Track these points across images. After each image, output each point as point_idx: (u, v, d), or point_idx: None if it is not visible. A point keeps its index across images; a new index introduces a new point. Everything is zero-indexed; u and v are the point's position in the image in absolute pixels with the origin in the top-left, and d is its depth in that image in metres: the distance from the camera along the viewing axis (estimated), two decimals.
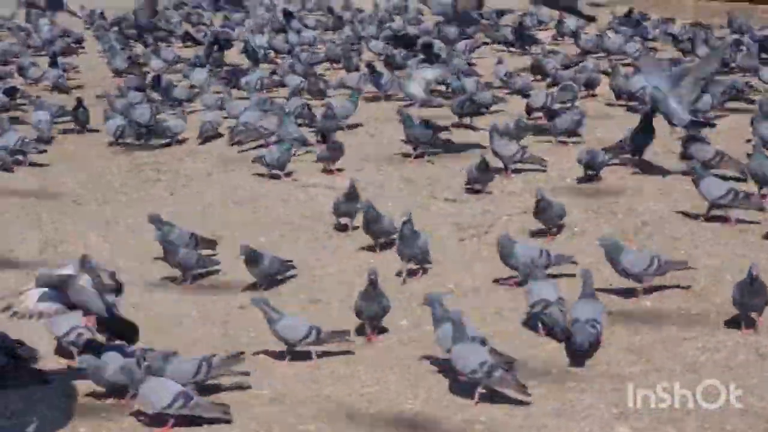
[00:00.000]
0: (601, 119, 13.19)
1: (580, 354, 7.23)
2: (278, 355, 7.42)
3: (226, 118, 13.57)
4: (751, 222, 9.62)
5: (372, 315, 7.67)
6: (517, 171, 11.19)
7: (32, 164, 12.48)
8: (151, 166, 12.33)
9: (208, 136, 13.17)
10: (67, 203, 11.13)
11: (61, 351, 7.48)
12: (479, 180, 10.73)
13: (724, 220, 9.66)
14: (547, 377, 7.05)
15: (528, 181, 10.99)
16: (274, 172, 11.48)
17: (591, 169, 10.88)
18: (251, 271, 8.55)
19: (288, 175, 11.52)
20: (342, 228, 9.94)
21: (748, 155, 10.75)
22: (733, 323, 7.61)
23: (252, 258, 8.52)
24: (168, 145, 13.03)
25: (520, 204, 10.39)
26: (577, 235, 9.59)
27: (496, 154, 11.18)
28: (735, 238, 9.31)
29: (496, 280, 8.62)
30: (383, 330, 7.76)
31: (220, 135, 13.26)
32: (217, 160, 12.38)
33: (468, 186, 10.81)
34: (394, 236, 9.13)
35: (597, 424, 6.47)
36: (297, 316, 7.63)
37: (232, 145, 12.76)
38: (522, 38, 18.21)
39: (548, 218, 9.54)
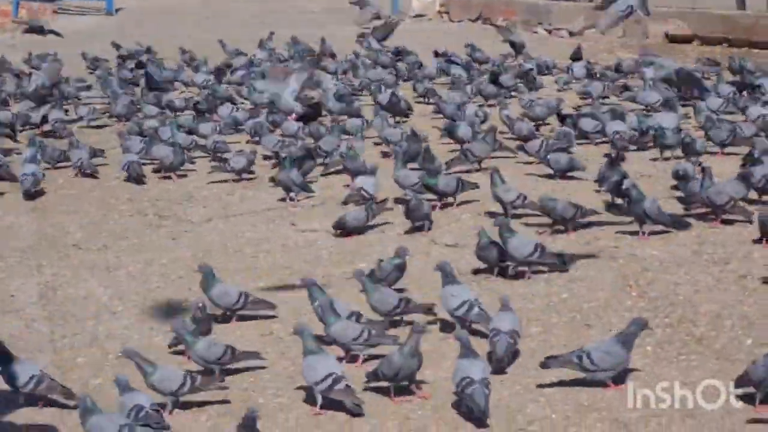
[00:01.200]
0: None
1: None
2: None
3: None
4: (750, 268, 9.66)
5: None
6: (517, 216, 11.17)
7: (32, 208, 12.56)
8: (153, 211, 12.34)
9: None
10: (67, 248, 11.12)
11: None
12: (486, 259, 9.80)
13: (723, 264, 9.72)
14: None
15: (528, 225, 10.97)
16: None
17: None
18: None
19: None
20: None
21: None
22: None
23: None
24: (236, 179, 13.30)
25: None
26: (577, 280, 9.58)
27: (496, 198, 11.20)
28: (735, 284, 9.30)
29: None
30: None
31: (224, 181, 13.32)
32: (219, 206, 12.40)
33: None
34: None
35: None
36: (171, 366, 7.64)
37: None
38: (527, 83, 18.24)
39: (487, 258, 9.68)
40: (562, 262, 9.71)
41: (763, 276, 9.39)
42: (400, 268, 9.23)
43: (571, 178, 12.62)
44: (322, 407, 7.27)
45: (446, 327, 8.50)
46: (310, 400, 7.40)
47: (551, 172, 12.77)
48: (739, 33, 23.13)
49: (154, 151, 13.90)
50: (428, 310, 8.70)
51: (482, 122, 14.97)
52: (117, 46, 23.13)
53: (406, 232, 11.02)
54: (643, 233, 10.49)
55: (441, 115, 15.95)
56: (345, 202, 11.96)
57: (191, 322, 8.19)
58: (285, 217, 11.82)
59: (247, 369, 7.94)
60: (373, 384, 7.47)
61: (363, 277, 8.66)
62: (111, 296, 9.66)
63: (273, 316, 8.92)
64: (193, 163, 14.03)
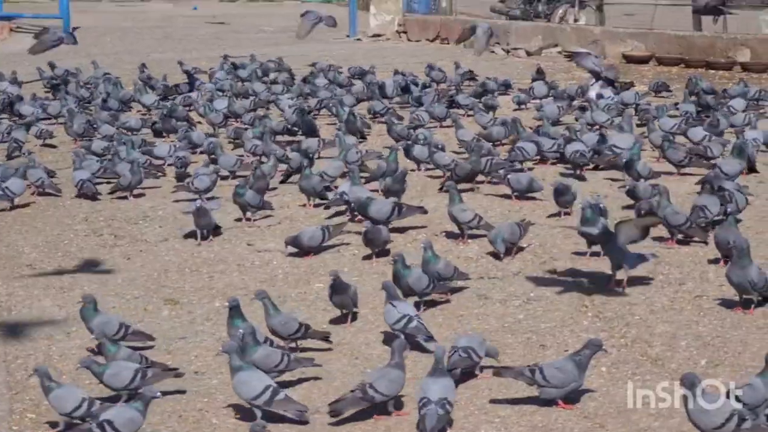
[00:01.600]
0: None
1: None
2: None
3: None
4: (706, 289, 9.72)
5: None
6: (474, 236, 11.19)
7: None
8: (108, 230, 12.26)
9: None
10: (21, 267, 11.02)
11: None
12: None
13: (678, 284, 9.77)
14: None
15: (483, 246, 10.97)
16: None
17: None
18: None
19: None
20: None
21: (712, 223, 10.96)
22: None
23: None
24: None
25: (478, 269, 10.40)
26: (533, 300, 9.59)
27: (452, 218, 11.21)
28: (690, 304, 9.35)
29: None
30: None
31: (181, 200, 13.24)
32: (175, 226, 12.31)
33: None
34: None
35: None
36: (72, 386, 7.57)
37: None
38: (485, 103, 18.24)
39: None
40: (452, 291, 9.75)
41: (717, 296, 9.44)
42: (335, 290, 9.17)
43: (529, 198, 12.62)
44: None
45: (389, 340, 8.46)
46: (264, 419, 7.34)
47: (509, 192, 12.77)
48: (696, 53, 23.33)
49: (110, 170, 13.85)
50: (325, 338, 8.73)
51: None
52: (53, 66, 22.92)
53: (365, 257, 10.97)
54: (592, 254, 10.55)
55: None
56: (326, 207, 12.36)
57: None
58: (241, 237, 11.78)
59: (199, 390, 7.91)
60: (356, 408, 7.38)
61: (265, 299, 8.56)
62: (66, 317, 9.58)
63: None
64: (157, 178, 14.05)
